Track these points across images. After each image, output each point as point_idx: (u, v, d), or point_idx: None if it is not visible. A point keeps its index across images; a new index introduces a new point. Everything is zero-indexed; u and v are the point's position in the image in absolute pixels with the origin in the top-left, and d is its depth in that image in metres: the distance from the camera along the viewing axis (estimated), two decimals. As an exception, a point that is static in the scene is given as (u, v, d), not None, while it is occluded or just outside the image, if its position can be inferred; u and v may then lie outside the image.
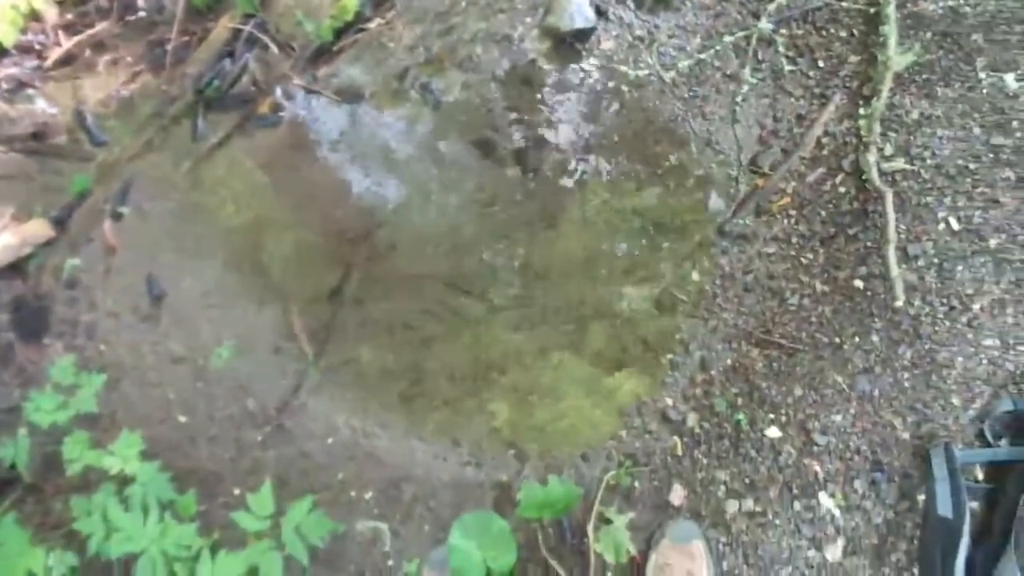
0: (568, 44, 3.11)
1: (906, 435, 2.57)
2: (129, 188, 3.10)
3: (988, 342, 2.58)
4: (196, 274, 3.01)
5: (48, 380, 2.62)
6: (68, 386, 2.59)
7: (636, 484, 2.67)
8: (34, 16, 3.23)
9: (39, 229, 3.00)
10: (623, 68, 3.06)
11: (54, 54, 3.24)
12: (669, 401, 2.76)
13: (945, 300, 2.65)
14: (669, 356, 2.82)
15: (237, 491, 2.73)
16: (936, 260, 2.68)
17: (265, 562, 2.31)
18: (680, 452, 2.70)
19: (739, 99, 2.99)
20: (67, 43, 3.24)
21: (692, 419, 2.72)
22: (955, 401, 2.57)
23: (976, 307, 2.61)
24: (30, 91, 3.22)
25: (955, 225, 2.70)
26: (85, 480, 2.58)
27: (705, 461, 2.67)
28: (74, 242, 3.04)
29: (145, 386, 2.87)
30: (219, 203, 3.11)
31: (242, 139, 3.18)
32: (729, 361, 2.78)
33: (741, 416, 2.68)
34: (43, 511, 2.69)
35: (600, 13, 3.12)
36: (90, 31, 3.25)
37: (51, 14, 3.22)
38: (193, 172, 3.13)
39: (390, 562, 2.65)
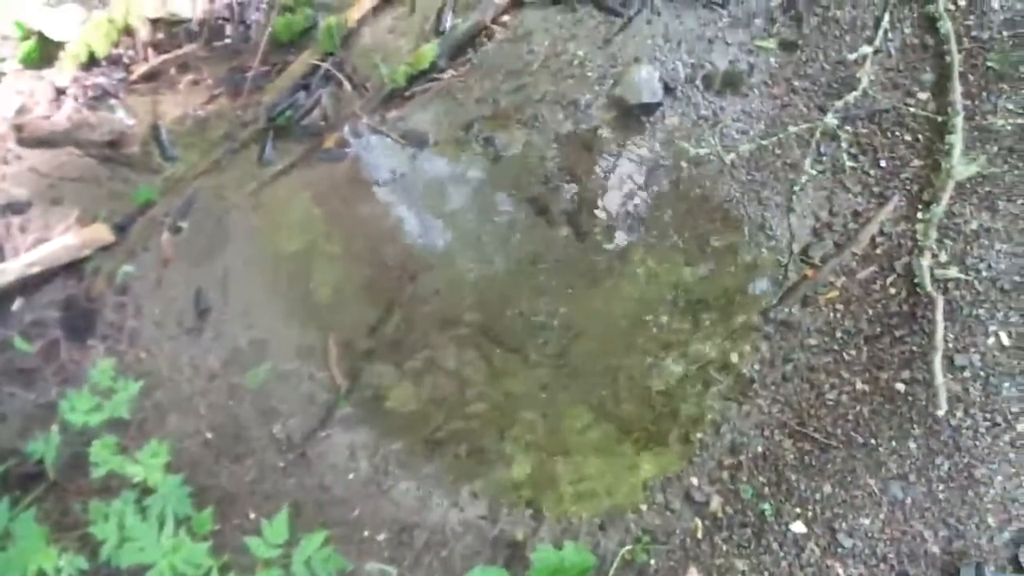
0: (633, 116, 3.17)
1: (936, 548, 2.50)
2: (191, 204, 3.20)
3: (1030, 464, 2.52)
4: (243, 294, 3.07)
5: (86, 381, 2.66)
6: (105, 389, 2.62)
7: (652, 561, 2.62)
8: (127, 31, 3.38)
9: (100, 234, 3.09)
10: (684, 145, 3.10)
11: (140, 69, 3.38)
12: (695, 481, 2.72)
13: (989, 416, 2.60)
14: (699, 435, 2.79)
15: (253, 515, 2.73)
16: (983, 373, 2.64)
17: (272, 592, 2.29)
18: (700, 535, 2.65)
19: (797, 188, 3.00)
20: (154, 60, 3.38)
21: (716, 502, 2.68)
22: (991, 521, 2.50)
23: (1021, 427, 2.56)
24: (112, 101, 3.36)
25: (1006, 340, 2.66)
26: (107, 485, 2.60)
27: (725, 548, 2.62)
28: (131, 250, 3.12)
29: (178, 398, 2.91)
30: (275, 228, 3.19)
31: (305, 170, 3.27)
32: (760, 448, 2.74)
33: (767, 506, 2.62)
34: (62, 510, 2.71)
35: (668, 90, 3.19)
36: (177, 51, 3.39)
37: (143, 31, 3.37)
38: (255, 195, 3.22)
39: (394, 609, 2.62)
